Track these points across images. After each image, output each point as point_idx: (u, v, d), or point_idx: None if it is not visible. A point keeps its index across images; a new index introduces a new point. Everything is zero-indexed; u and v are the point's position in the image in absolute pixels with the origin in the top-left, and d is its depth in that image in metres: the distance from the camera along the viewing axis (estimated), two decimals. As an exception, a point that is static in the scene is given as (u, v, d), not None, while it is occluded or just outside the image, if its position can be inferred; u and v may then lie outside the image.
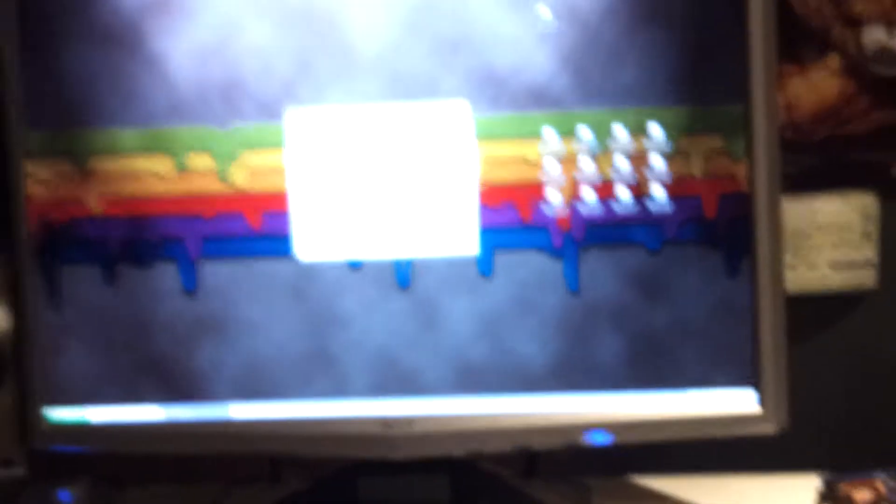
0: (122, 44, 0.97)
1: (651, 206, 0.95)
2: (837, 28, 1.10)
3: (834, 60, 1.11)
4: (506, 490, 1.07)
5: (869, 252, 1.13)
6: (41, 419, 1.01)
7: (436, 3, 0.95)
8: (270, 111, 0.96)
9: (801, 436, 1.03)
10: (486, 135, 0.95)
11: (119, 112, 0.97)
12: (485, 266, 0.96)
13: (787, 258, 1.13)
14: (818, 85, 1.11)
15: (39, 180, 0.99)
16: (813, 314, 1.14)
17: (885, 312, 1.15)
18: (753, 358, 0.95)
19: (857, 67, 1.10)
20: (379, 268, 0.97)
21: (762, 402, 0.95)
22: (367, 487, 1.00)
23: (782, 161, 1.01)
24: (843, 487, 0.97)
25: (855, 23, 1.10)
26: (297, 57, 0.96)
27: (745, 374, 0.95)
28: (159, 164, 0.98)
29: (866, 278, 1.14)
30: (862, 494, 0.96)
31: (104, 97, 0.97)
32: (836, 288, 1.14)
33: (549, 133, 0.95)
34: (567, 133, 0.95)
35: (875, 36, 1.09)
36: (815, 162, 1.13)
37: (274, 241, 0.97)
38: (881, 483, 0.96)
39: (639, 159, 0.95)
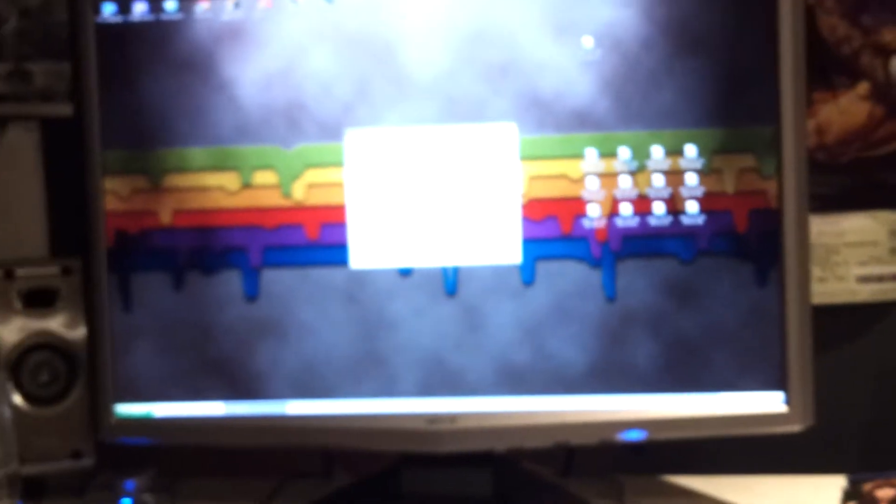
0: (195, 70, 1.03)
1: (685, 220, 0.99)
2: (866, 56, 1.15)
3: (863, 87, 1.16)
4: (544, 485, 1.11)
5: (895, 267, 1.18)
6: (110, 414, 1.06)
7: (486, 32, 1.00)
8: (332, 132, 1.02)
9: (829, 438, 1.08)
10: (532, 154, 1.01)
11: (191, 133, 1.04)
12: (527, 274, 1.01)
13: (818, 271, 1.17)
14: (847, 110, 1.16)
15: (117, 195, 1.05)
16: (841, 324, 1.18)
17: (910, 323, 1.19)
18: (781, 362, 0.99)
19: (885, 93, 1.15)
20: (428, 275, 1.02)
21: (789, 402, 0.99)
22: (412, 482, 1.05)
23: (814, 182, 1.05)
24: (867, 486, 1.00)
25: (883, 51, 1.15)
26: (357, 82, 1.02)
27: (774, 378, 0.99)
28: (227, 180, 1.04)
29: (893, 291, 1.18)
30: (885, 492, 0.99)
31: (178, 120, 1.04)
32: (863, 300, 1.18)
33: (591, 153, 1.00)
34: (608, 153, 1.00)
35: (902, 63, 1.15)
36: (846, 182, 1.17)
37: (330, 251, 1.03)
38: (904, 482, 0.99)
39: (674, 177, 0.99)
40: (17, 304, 1.12)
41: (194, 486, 1.15)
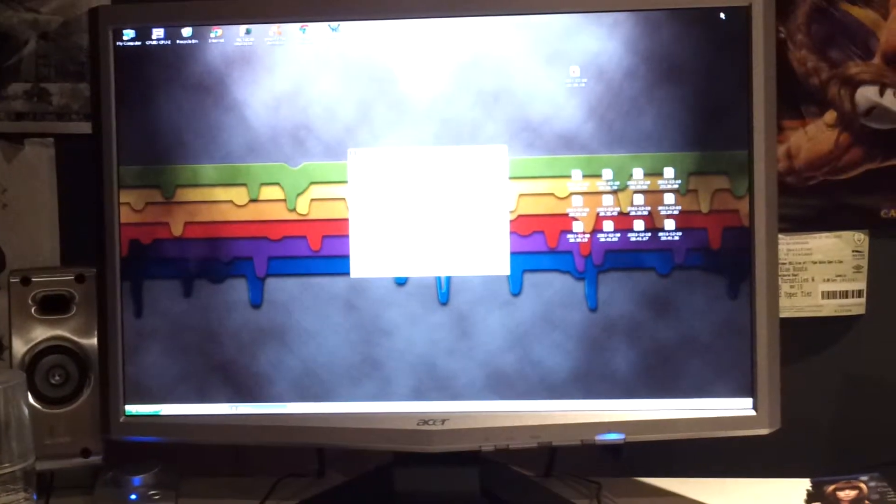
0: (208, 92, 1.07)
1: (662, 237, 1.04)
2: (834, 87, 1.22)
3: (830, 116, 1.22)
4: (527, 484, 1.15)
5: (859, 284, 1.24)
6: (119, 414, 1.09)
7: (480, 60, 1.05)
8: (335, 152, 1.06)
9: (795, 443, 1.12)
10: (521, 174, 1.05)
11: (203, 151, 1.07)
12: (515, 285, 1.06)
13: (786, 287, 1.24)
14: (816, 136, 1.22)
15: (131, 207, 1.08)
16: (808, 336, 1.24)
17: (872, 336, 1.25)
18: (750, 370, 1.04)
19: (851, 122, 1.22)
20: (422, 284, 1.06)
21: (756, 407, 1.04)
22: (403, 480, 1.08)
23: (784, 203, 1.11)
24: (830, 488, 1.04)
25: (849, 83, 1.22)
26: (359, 106, 1.06)
27: (743, 385, 1.04)
28: (235, 195, 1.07)
29: (856, 306, 1.24)
30: (846, 494, 1.04)
31: (191, 138, 1.07)
32: (828, 314, 1.24)
33: (577, 174, 1.05)
34: (592, 174, 1.05)
35: (867, 95, 1.21)
36: (814, 204, 1.23)
37: (331, 261, 1.07)
38: (864, 483, 1.04)
39: (653, 196, 1.04)
40: (33, 310, 1.15)
41: (196, 483, 1.19)
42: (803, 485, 1.08)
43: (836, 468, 1.11)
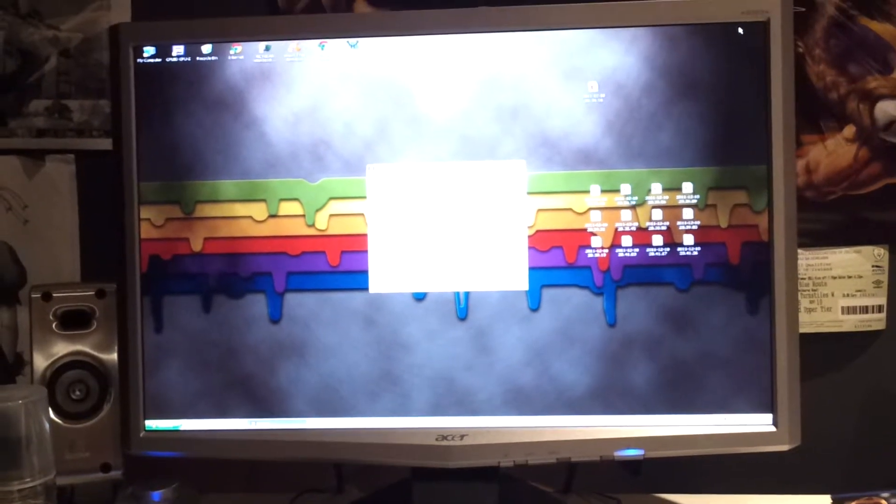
0: (228, 109, 1.08)
1: (681, 252, 1.05)
2: (852, 102, 1.22)
3: (849, 130, 1.22)
4: (546, 500, 1.15)
5: (880, 299, 1.24)
6: (139, 429, 1.09)
7: (499, 77, 1.06)
8: (354, 168, 1.07)
9: (815, 459, 1.12)
10: (540, 189, 1.06)
11: (223, 167, 1.08)
12: (533, 300, 1.06)
13: (806, 302, 1.23)
14: (835, 151, 1.23)
15: (151, 223, 1.09)
16: (828, 352, 1.24)
17: (893, 351, 1.24)
18: (770, 385, 1.03)
19: (870, 136, 1.22)
20: (441, 300, 1.06)
21: (776, 423, 1.04)
22: (421, 495, 1.08)
23: (804, 218, 1.11)
24: None
25: (868, 97, 1.22)
26: (378, 122, 1.07)
27: (763, 400, 1.04)
28: (255, 210, 1.08)
29: (876, 321, 1.24)
30: None
31: (211, 154, 1.08)
32: (848, 329, 1.24)
33: (595, 189, 1.05)
34: (610, 189, 1.05)
35: (886, 109, 1.21)
36: (834, 219, 1.23)
37: (349, 276, 1.07)
38: (885, 500, 1.03)
39: (672, 211, 1.04)
40: (54, 325, 1.15)
41: (215, 499, 1.19)
42: (823, 501, 1.08)
43: (856, 484, 1.11)
